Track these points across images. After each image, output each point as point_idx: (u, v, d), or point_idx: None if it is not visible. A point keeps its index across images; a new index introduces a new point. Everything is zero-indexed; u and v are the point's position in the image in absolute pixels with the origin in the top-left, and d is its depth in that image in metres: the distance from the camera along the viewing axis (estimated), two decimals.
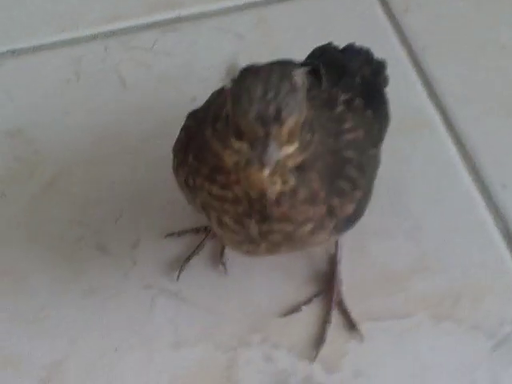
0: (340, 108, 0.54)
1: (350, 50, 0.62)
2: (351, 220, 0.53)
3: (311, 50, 0.63)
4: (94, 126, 0.69)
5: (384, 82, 0.61)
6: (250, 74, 0.46)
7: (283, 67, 0.47)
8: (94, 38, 0.75)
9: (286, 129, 0.44)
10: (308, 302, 0.60)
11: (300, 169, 0.48)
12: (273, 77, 0.45)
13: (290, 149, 0.46)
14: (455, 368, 0.57)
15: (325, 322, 0.59)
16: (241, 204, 0.49)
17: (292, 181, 0.48)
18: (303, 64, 0.59)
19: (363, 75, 0.59)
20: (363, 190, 0.53)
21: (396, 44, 0.75)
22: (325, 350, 0.57)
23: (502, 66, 0.73)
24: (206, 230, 0.62)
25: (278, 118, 0.44)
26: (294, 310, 0.59)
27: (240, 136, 0.45)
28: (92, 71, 0.73)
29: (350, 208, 0.52)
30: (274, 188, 0.48)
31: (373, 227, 0.61)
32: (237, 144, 0.46)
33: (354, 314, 0.59)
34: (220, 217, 0.50)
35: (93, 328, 0.58)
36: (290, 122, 0.44)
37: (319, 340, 0.58)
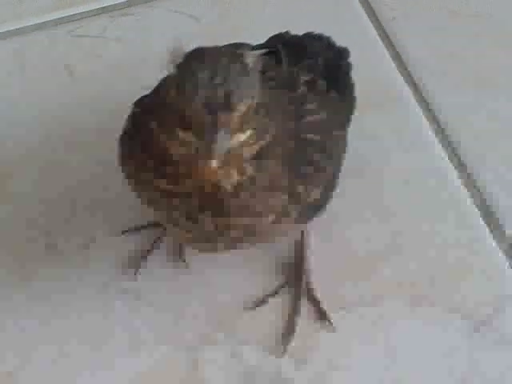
0: (301, 89, 0.52)
1: (310, 36, 0.59)
2: (318, 206, 0.51)
3: (272, 32, 0.60)
4: (41, 119, 0.65)
5: (347, 68, 0.58)
6: (196, 58, 0.43)
7: (233, 49, 0.45)
8: (38, 27, 0.72)
9: (236, 115, 0.41)
10: (274, 293, 0.57)
11: (258, 156, 0.45)
12: (221, 60, 0.42)
13: (243, 136, 0.43)
14: (432, 353, 0.54)
15: (293, 313, 0.56)
16: (193, 198, 0.45)
17: (250, 170, 0.45)
18: (259, 47, 0.56)
19: (325, 58, 0.56)
20: (329, 174, 0.50)
21: (363, 15, 0.72)
22: (295, 342, 0.55)
23: (474, 36, 0.71)
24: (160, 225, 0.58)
25: (227, 104, 0.41)
26: (260, 302, 0.56)
27: (186, 125, 0.42)
28: (37, 63, 0.69)
29: (316, 193, 0.49)
30: (230, 180, 0.44)
31: (341, 210, 0.59)
32: (182, 134, 0.42)
33: (325, 303, 0.56)
34: (169, 214, 0.47)
35: (44, 335, 0.55)
36: (241, 107, 0.41)
37: (288, 333, 0.55)
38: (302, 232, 0.57)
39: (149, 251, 0.58)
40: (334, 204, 0.52)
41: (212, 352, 0.54)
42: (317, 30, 0.59)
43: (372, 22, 0.72)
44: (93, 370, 0.54)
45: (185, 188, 0.45)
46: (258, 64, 0.43)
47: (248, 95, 0.42)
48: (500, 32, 0.70)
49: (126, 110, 0.65)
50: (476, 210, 0.60)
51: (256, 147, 0.44)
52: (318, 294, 0.56)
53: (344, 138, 0.54)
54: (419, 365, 0.54)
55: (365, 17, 0.72)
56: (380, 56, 0.69)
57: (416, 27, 0.71)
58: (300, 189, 0.48)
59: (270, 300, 0.56)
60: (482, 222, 0.60)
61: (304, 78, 0.53)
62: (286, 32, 0.59)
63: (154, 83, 0.67)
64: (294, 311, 0.56)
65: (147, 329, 0.55)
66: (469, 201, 0.61)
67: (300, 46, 0.56)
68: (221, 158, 0.41)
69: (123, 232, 0.59)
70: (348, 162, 0.54)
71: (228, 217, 0.46)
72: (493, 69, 0.68)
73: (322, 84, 0.53)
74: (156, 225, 0.59)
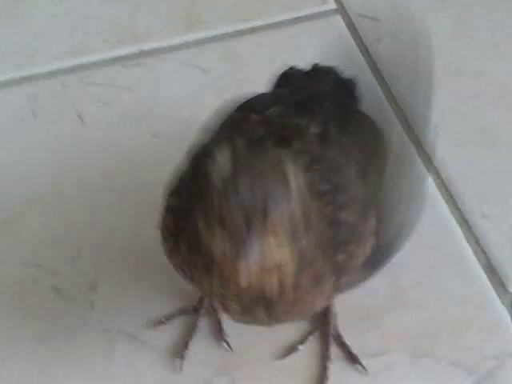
0: (320, 150, 0.50)
1: (317, 71, 0.59)
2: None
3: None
4: (51, 164, 0.66)
5: (357, 100, 0.58)
6: (238, 161, 0.43)
7: (275, 160, 0.44)
8: (51, 74, 0.73)
9: (272, 225, 0.42)
10: (304, 340, 0.57)
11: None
12: (262, 170, 0.43)
13: (281, 246, 0.43)
14: None
15: (324, 359, 0.56)
16: (243, 298, 0.46)
17: (292, 270, 0.45)
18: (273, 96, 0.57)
19: (334, 99, 0.55)
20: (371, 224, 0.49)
21: (367, 72, 0.73)
22: None
23: (479, 94, 0.72)
24: (197, 309, 0.58)
25: (264, 213, 0.42)
26: (290, 350, 0.56)
27: (223, 224, 0.42)
28: (49, 108, 0.70)
29: (357, 262, 0.49)
30: (269, 283, 0.44)
31: None
32: (220, 232, 0.42)
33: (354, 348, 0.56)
34: (225, 303, 0.47)
35: (47, 376, 0.55)
36: (277, 217, 0.42)
37: (321, 379, 0.55)
38: None
39: (188, 339, 0.56)
40: None
41: None
42: None
43: (375, 77, 0.73)
44: None
45: (236, 289, 0.45)
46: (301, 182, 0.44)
47: (285, 207, 0.42)
48: (503, 91, 0.71)
49: (133, 156, 0.67)
50: (479, 265, 0.60)
51: (298, 256, 0.44)
52: (346, 339, 0.56)
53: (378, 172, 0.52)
54: None
55: (368, 73, 0.73)
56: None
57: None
58: (340, 257, 0.47)
59: (301, 347, 0.56)
60: (484, 277, 0.60)
61: (315, 131, 0.51)
62: (292, 68, 0.59)
63: (161, 131, 0.68)
64: (325, 357, 0.56)
65: (149, 373, 0.55)
66: (472, 256, 0.61)
67: (309, 91, 0.56)
68: (253, 264, 0.42)
69: (154, 324, 0.57)
70: None
71: (278, 311, 0.46)
72: (493, 126, 0.69)
73: (334, 132, 0.51)
74: (186, 311, 0.58)
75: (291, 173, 0.43)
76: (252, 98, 0.55)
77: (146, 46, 0.75)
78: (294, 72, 0.60)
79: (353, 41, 0.76)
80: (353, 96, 0.58)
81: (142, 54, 0.75)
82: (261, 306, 0.46)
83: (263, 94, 0.57)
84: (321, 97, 0.55)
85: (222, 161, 0.43)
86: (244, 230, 0.41)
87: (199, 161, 0.48)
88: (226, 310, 0.48)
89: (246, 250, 0.42)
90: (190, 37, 0.76)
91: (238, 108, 0.54)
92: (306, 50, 0.74)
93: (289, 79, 0.59)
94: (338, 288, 0.48)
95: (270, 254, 0.43)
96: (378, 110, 0.58)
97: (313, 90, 0.56)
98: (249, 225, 0.41)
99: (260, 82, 0.61)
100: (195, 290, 0.49)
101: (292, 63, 0.69)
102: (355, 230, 0.48)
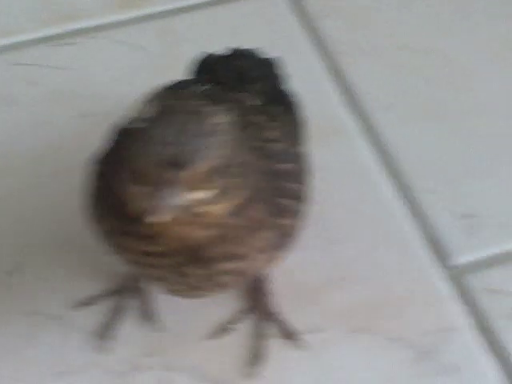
0: (258, 117, 0.50)
1: (239, 55, 0.58)
2: (292, 233, 0.50)
3: None
4: None
5: (283, 80, 0.57)
6: (158, 113, 0.42)
7: (197, 106, 0.43)
8: None
9: (191, 174, 0.40)
10: (238, 320, 0.55)
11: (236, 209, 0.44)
12: (183, 117, 0.41)
13: (198, 195, 0.41)
14: (372, 382, 0.53)
15: (260, 337, 0.54)
16: (175, 255, 0.44)
17: (227, 220, 0.44)
18: (197, 78, 0.56)
19: (264, 79, 0.55)
20: (305, 201, 0.50)
21: (311, 49, 0.72)
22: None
23: (422, 70, 0.71)
24: (126, 288, 0.56)
25: (183, 163, 0.40)
26: (224, 330, 0.55)
27: (139, 180, 0.41)
28: None
29: (296, 222, 0.49)
30: (204, 234, 0.43)
31: None
32: (134, 188, 0.41)
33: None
34: (154, 272, 0.46)
35: None
36: (197, 167, 0.40)
37: (257, 357, 0.53)
38: None
39: (111, 322, 0.55)
40: None
41: (171, 382, 0.53)
42: None
43: (321, 55, 0.71)
44: None
45: (163, 247, 0.44)
46: (225, 124, 0.43)
47: (206, 156, 0.41)
48: (449, 66, 0.71)
49: (65, 137, 0.65)
50: (419, 240, 0.60)
51: (231, 204, 0.43)
52: (282, 315, 0.55)
53: (306, 160, 0.53)
54: None
55: (314, 50, 0.72)
56: (329, 89, 0.69)
57: (366, 61, 0.71)
58: (283, 221, 0.47)
59: (234, 326, 0.55)
60: (425, 252, 0.59)
61: (255, 103, 0.52)
62: (211, 54, 0.58)
63: (94, 111, 0.66)
64: (261, 335, 0.54)
65: (76, 355, 0.53)
66: (413, 231, 0.60)
67: (236, 72, 0.55)
68: (165, 215, 0.40)
69: (75, 306, 0.55)
70: None
71: (213, 266, 0.45)
72: (439, 102, 0.68)
73: (275, 108, 0.52)
74: (112, 293, 0.56)
75: (217, 122, 0.42)
76: (179, 82, 0.54)
77: (80, 25, 0.74)
78: (214, 57, 0.58)
79: (295, 17, 0.74)
80: (277, 75, 0.57)
81: (76, 33, 0.73)
82: (193, 265, 0.45)
83: (188, 79, 0.56)
84: (248, 76, 0.55)
85: (145, 113, 0.42)
86: (161, 181, 0.40)
87: (124, 127, 0.47)
88: (156, 279, 0.47)
89: (165, 201, 0.40)
90: (126, 15, 0.74)
91: (166, 89, 0.52)
92: (245, 27, 0.74)
93: (209, 65, 0.57)
94: (275, 247, 0.47)
95: (192, 204, 0.41)
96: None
97: (240, 71, 0.55)
98: (166, 175, 0.40)
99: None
100: (123, 263, 0.48)
101: (230, 42, 0.67)
102: (291, 188, 0.48)
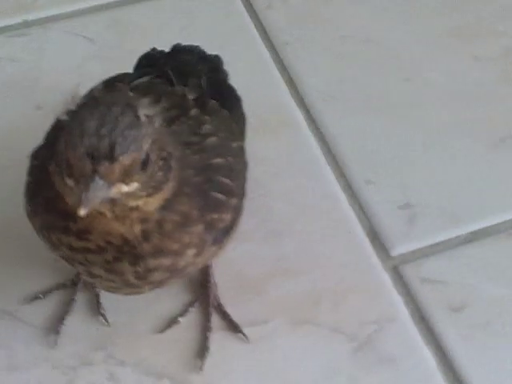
0: (194, 111, 0.51)
1: (181, 51, 0.58)
2: (230, 229, 0.50)
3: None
4: None
5: (224, 75, 0.58)
6: (88, 106, 0.43)
7: (127, 98, 0.44)
8: None
9: (117, 167, 0.41)
10: (184, 313, 0.56)
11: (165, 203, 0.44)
12: (112, 110, 0.42)
13: (125, 188, 0.42)
14: (315, 374, 0.54)
15: (206, 329, 0.55)
16: (106, 251, 0.45)
17: (155, 215, 0.44)
18: (139, 73, 0.56)
19: (206, 75, 0.56)
20: (238, 194, 0.51)
21: (258, 40, 0.73)
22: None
23: (366, 60, 0.72)
24: (74, 283, 0.57)
25: (109, 155, 0.41)
26: (170, 324, 0.55)
27: (70, 173, 0.41)
28: None
29: (228, 217, 0.49)
30: (133, 229, 0.44)
31: None
32: (68, 181, 0.42)
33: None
34: (89, 269, 0.47)
35: None
36: (124, 160, 0.41)
37: (202, 350, 0.54)
38: None
39: (64, 315, 0.56)
40: None
41: (119, 376, 0.54)
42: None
43: (266, 46, 0.72)
44: None
45: (94, 243, 0.44)
46: (154, 117, 0.43)
47: (134, 148, 0.41)
48: (389, 57, 0.72)
49: (17, 129, 0.65)
50: (362, 231, 0.61)
51: (158, 198, 0.44)
52: (227, 308, 0.56)
53: (244, 155, 0.54)
54: None
55: (259, 41, 0.72)
56: (273, 80, 0.70)
57: (309, 52, 0.72)
58: (214, 215, 0.48)
59: (180, 320, 0.56)
60: (368, 243, 0.60)
61: (192, 97, 0.52)
62: (153, 49, 0.59)
63: (45, 103, 0.67)
64: (206, 327, 0.55)
65: (25, 350, 0.54)
66: (355, 222, 0.61)
67: (179, 67, 0.56)
68: (93, 207, 0.41)
69: (31, 300, 0.56)
70: None
71: (146, 261, 0.46)
72: (380, 94, 0.69)
73: (212, 103, 0.53)
74: (65, 285, 0.57)
75: (146, 114, 0.43)
76: (119, 75, 0.55)
77: (31, 16, 0.74)
78: (155, 53, 0.59)
79: (243, 8, 0.75)
80: (218, 70, 0.58)
81: (27, 24, 0.73)
82: (125, 261, 0.45)
83: (130, 73, 0.56)
84: (187, 71, 0.55)
85: (74, 106, 0.44)
86: (86, 174, 0.41)
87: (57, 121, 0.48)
88: (91, 276, 0.47)
89: (83, 193, 0.40)
90: (77, 6, 0.75)
91: (103, 82, 0.53)
92: (196, 19, 0.74)
93: (151, 60, 0.58)
94: (207, 242, 0.48)
95: (119, 197, 0.42)
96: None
97: (180, 66, 0.56)
98: (90, 168, 0.41)
99: None
100: (58, 259, 0.49)
101: (179, 32, 0.69)
102: (225, 182, 0.49)
